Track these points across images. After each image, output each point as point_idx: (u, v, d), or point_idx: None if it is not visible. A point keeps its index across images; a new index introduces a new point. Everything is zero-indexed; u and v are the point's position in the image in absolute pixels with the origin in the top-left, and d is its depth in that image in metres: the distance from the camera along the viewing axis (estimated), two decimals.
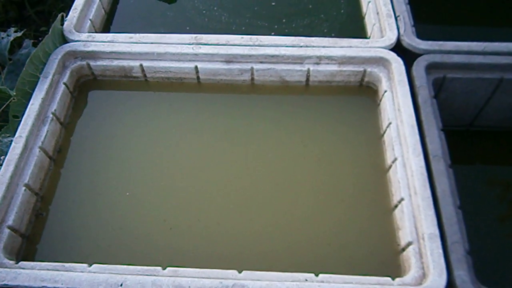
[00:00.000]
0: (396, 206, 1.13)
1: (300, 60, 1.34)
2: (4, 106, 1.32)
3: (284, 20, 1.57)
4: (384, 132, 1.26)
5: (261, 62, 1.35)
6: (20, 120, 1.21)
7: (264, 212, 1.17)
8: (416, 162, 1.11)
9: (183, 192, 1.20)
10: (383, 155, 1.25)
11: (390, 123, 1.23)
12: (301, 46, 1.34)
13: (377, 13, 1.47)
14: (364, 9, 1.58)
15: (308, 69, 1.35)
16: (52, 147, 1.25)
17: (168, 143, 1.29)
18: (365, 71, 1.35)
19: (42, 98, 1.25)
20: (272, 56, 1.33)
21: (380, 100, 1.33)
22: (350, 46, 1.35)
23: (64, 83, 1.33)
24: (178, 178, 1.23)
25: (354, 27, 1.57)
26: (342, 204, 1.18)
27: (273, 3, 1.61)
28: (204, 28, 1.54)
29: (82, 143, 1.30)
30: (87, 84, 1.42)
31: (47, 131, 1.23)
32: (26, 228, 1.13)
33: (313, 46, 1.35)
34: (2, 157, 1.18)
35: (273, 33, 1.53)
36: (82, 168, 1.25)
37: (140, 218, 1.16)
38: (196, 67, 1.36)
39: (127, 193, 1.20)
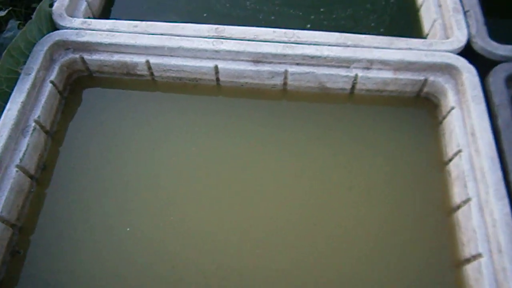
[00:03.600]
0: (468, 261, 0.89)
1: (346, 63, 1.07)
2: None
3: (322, 9, 1.30)
4: (450, 160, 1.01)
5: (297, 64, 1.08)
6: None
7: (294, 258, 0.93)
8: (499, 208, 0.86)
9: (196, 228, 0.96)
10: (448, 190, 1.00)
11: (460, 151, 0.97)
12: (348, 46, 1.07)
13: (439, 6, 1.19)
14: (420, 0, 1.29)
15: (356, 75, 1.08)
16: (34, 164, 1.00)
17: (178, 163, 1.04)
18: (426, 80, 1.08)
19: (22, 102, 0.99)
20: (312, 57, 1.06)
21: (444, 118, 1.06)
22: (409, 48, 1.08)
23: (52, 82, 1.07)
24: (189, 209, 0.98)
25: (407, 22, 1.29)
26: (394, 252, 0.94)
27: None
28: (225, 16, 1.26)
29: (73, 157, 1.05)
30: (80, 83, 1.16)
31: (28, 145, 0.97)
32: None
33: (363, 47, 1.07)
34: None
35: (308, 26, 1.25)
36: (72, 190, 1.01)
37: (142, 263, 0.92)
38: (216, 67, 1.09)
39: (128, 229, 0.95)
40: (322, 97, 1.13)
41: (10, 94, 1.00)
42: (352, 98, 1.13)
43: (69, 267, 0.91)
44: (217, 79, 1.13)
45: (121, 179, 1.02)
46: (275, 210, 0.98)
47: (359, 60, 1.06)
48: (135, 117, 1.10)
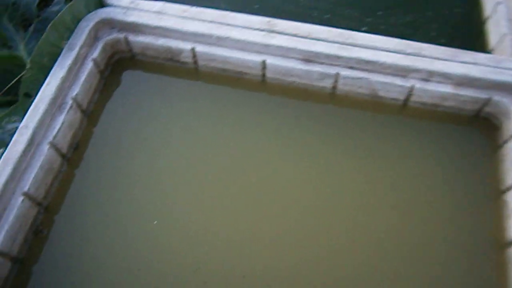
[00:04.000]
0: None
1: (404, 72, 1.00)
2: (16, 79, 1.04)
3: (379, 13, 1.22)
4: (508, 190, 0.92)
5: (350, 68, 1.01)
6: (31, 103, 0.93)
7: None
8: None
9: (225, 230, 0.91)
10: (503, 222, 0.91)
11: None
12: (407, 54, 0.99)
13: (510, 20, 1.10)
14: (487, 11, 1.20)
15: (412, 86, 1.00)
16: (67, 143, 0.97)
17: (215, 155, 0.99)
18: (489, 99, 0.99)
19: (62, 78, 0.95)
20: (368, 62, 0.99)
21: (505, 143, 0.97)
22: (475, 63, 0.99)
23: (93, 60, 1.03)
24: (221, 210, 0.92)
25: (470, 34, 1.20)
26: (436, 285, 0.86)
27: None
28: (277, 9, 1.21)
29: (106, 139, 1.02)
30: (122, 64, 1.12)
31: (63, 122, 0.94)
32: (20, 250, 0.86)
33: (424, 56, 0.99)
34: (1, 151, 0.90)
35: (364, 28, 1.18)
36: (102, 173, 0.97)
37: (165, 259, 0.87)
38: (263, 62, 1.03)
39: (155, 222, 0.91)
40: (372, 105, 1.06)
41: (50, 68, 0.97)
42: (405, 110, 1.05)
43: (92, 252, 0.88)
44: (263, 75, 1.07)
45: (153, 167, 0.97)
46: (322, 221, 0.92)
47: (418, 70, 0.98)
48: (174, 105, 1.06)
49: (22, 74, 0.98)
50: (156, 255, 0.87)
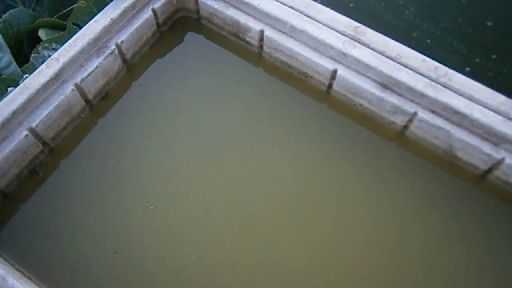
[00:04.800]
0: None
1: (497, 139, 0.80)
2: (72, 6, 0.96)
3: (494, 56, 1.00)
4: None
5: (432, 112, 0.83)
6: (75, 33, 0.84)
7: None
8: None
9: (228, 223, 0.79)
10: None
11: None
12: (510, 118, 0.79)
13: None
14: None
15: (503, 158, 0.80)
16: (95, 89, 0.88)
17: (250, 162, 0.86)
18: None
19: (112, 19, 0.86)
20: (457, 112, 0.80)
21: None
22: None
23: (153, 10, 0.93)
24: (240, 226, 0.80)
25: None
26: None
27: (492, 23, 1.03)
28: (372, 15, 1.03)
29: (140, 97, 0.92)
30: (184, 24, 1.01)
31: (97, 67, 0.85)
32: (8, 184, 0.80)
33: None
34: (24, 77, 0.83)
35: (467, 69, 0.97)
36: (123, 131, 0.88)
37: (153, 251, 0.77)
38: (335, 71, 0.87)
39: (151, 207, 0.81)
40: (443, 163, 0.87)
41: (105, 5, 0.88)
42: (481, 182, 0.85)
43: (83, 205, 0.80)
44: (329, 86, 0.91)
45: (181, 142, 0.87)
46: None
47: None
48: (224, 85, 0.94)
49: (75, 4, 0.90)
50: (148, 223, 0.78)
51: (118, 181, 0.83)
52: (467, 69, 0.97)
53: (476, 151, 0.81)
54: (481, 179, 0.85)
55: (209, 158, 0.86)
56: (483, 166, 0.83)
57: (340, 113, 0.91)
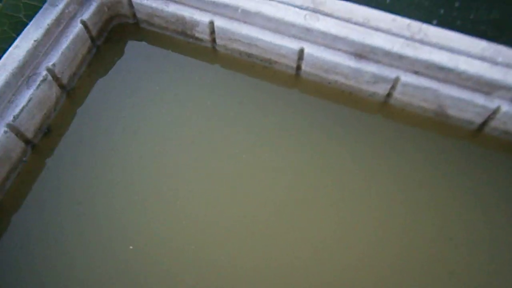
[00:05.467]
0: None
1: (488, 88, 0.74)
2: None
3: (457, 4, 0.94)
4: None
5: (416, 73, 0.76)
6: None
7: None
8: None
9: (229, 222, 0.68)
10: None
11: None
12: (497, 63, 0.73)
13: None
14: None
15: (498, 107, 0.74)
16: (34, 126, 0.75)
17: (226, 157, 0.76)
18: None
19: (36, 41, 0.73)
20: (442, 68, 0.73)
21: None
22: None
23: (83, 22, 0.80)
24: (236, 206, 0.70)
25: None
26: None
27: None
28: None
29: (88, 125, 0.79)
30: (121, 32, 0.89)
31: (30, 99, 0.72)
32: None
33: None
34: None
35: (434, 22, 0.91)
36: (77, 167, 0.75)
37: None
38: (301, 50, 0.79)
39: (130, 247, 0.69)
40: (435, 125, 0.80)
41: (24, 27, 0.75)
42: (479, 137, 0.79)
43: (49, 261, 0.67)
44: (298, 67, 0.82)
45: (149, 166, 0.75)
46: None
47: (510, 88, 0.72)
48: (182, 91, 0.83)
49: None
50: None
51: (85, 226, 0.70)
52: (434, 22, 0.91)
53: (469, 105, 0.75)
54: (477, 134, 0.79)
55: (184, 174, 0.75)
56: (479, 119, 0.77)
57: (315, 95, 0.83)
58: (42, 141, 0.77)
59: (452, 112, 0.78)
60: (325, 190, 0.74)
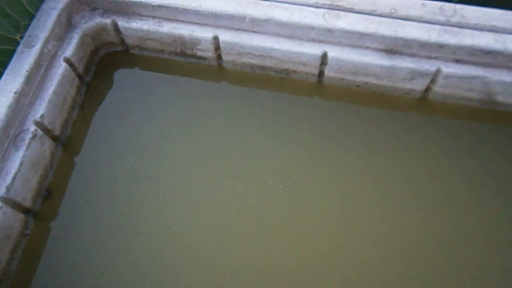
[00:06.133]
0: None
1: None
2: None
3: None
4: None
5: (457, 62, 0.67)
6: None
7: None
8: None
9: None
10: None
11: None
12: None
13: None
14: None
15: None
16: (31, 193, 0.63)
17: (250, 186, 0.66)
18: None
19: (17, 92, 0.61)
20: (488, 52, 0.64)
21: None
22: None
23: (67, 60, 0.68)
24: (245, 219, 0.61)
25: None
26: None
27: None
28: None
29: (93, 178, 0.68)
30: (111, 62, 0.78)
31: (22, 162, 0.60)
32: None
33: None
34: None
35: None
36: (88, 232, 0.64)
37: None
38: (324, 54, 0.69)
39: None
40: (481, 115, 0.72)
41: (1, 76, 0.63)
42: None
43: None
44: (320, 74, 0.73)
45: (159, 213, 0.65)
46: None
47: None
48: (192, 122, 0.72)
49: None
50: None
51: None
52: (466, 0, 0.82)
53: None
54: None
55: (217, 223, 0.65)
56: None
57: (343, 101, 0.73)
58: (43, 207, 0.65)
59: (501, 98, 0.69)
60: (370, 198, 0.65)
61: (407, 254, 0.62)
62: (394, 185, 0.67)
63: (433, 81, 0.69)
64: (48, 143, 0.66)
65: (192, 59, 0.76)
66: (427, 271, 0.61)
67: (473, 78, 0.67)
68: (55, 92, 0.66)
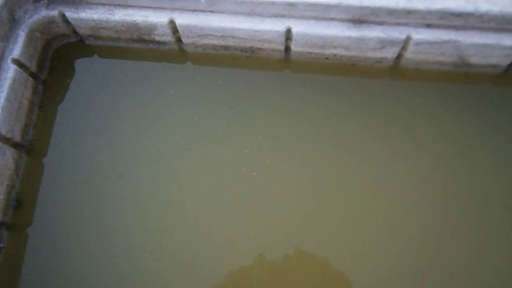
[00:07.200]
0: None
1: None
2: None
3: None
4: None
5: (428, 27, 0.64)
6: None
7: None
8: None
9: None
10: None
11: None
12: None
13: None
14: None
15: None
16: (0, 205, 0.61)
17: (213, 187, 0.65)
18: None
19: None
20: (459, 14, 0.61)
21: None
22: None
23: (16, 60, 0.64)
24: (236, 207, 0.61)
25: None
26: None
27: None
28: None
29: (64, 181, 0.66)
30: (66, 55, 0.73)
31: None
32: None
33: None
34: None
35: None
36: (63, 239, 0.63)
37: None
38: (288, 30, 0.65)
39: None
40: (455, 78, 0.70)
41: None
42: (504, 78, 0.69)
43: None
44: (287, 49, 0.69)
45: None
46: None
47: None
48: (158, 113, 0.69)
49: None
50: None
51: None
52: None
53: (495, 49, 0.64)
54: (503, 76, 0.69)
55: (190, 210, 0.64)
56: (505, 61, 0.67)
57: (312, 73, 0.71)
58: (15, 218, 0.64)
59: (474, 60, 0.67)
60: (341, 168, 0.65)
61: (387, 227, 0.63)
62: (373, 158, 0.66)
63: (404, 48, 0.66)
64: (10, 152, 0.63)
65: (151, 45, 0.71)
66: (414, 240, 0.62)
67: (444, 42, 0.64)
68: (7, 99, 0.62)
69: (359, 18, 0.63)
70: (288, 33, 0.65)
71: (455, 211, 0.63)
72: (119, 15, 0.66)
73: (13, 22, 0.65)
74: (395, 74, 0.70)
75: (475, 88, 0.69)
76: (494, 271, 0.60)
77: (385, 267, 0.60)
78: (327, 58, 0.70)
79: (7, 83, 0.62)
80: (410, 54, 0.66)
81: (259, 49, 0.69)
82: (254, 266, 0.61)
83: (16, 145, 0.65)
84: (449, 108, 0.69)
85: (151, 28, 0.67)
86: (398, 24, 0.64)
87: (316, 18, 0.64)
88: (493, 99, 0.69)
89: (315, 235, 0.62)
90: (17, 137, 0.64)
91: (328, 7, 0.62)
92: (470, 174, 0.65)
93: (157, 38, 0.69)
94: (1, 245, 0.62)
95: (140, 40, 0.70)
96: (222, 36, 0.67)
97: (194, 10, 0.65)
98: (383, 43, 0.65)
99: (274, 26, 0.64)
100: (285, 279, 0.60)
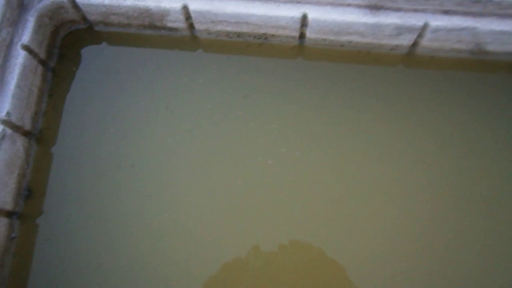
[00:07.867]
0: None
1: None
2: None
3: None
4: None
5: (446, 13, 0.63)
6: None
7: None
8: None
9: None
10: None
11: None
12: None
13: None
14: None
15: None
16: (11, 196, 0.61)
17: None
18: None
19: None
20: (477, 0, 0.60)
21: None
22: None
23: (25, 47, 0.63)
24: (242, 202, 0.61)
25: None
26: None
27: None
28: None
29: (73, 170, 0.65)
30: (75, 41, 0.71)
31: None
32: None
33: None
34: None
35: None
36: (77, 228, 0.62)
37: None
38: (304, 16, 0.64)
39: None
40: (471, 66, 0.69)
41: None
42: None
43: None
44: (301, 36, 0.68)
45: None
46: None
47: None
48: (171, 101, 0.68)
49: None
50: None
51: None
52: None
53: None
54: None
55: (203, 204, 0.63)
56: None
57: (327, 60, 0.70)
58: (26, 207, 0.63)
59: (491, 47, 0.66)
60: (356, 157, 0.64)
61: (401, 212, 0.62)
62: (387, 146, 0.66)
63: (420, 35, 0.65)
64: (20, 141, 0.62)
65: (163, 31, 0.70)
66: (422, 226, 0.62)
67: (462, 29, 0.63)
68: (18, 85, 0.61)
69: (376, 4, 0.62)
70: (304, 19, 0.64)
71: (469, 207, 0.63)
72: (131, 0, 0.64)
73: (22, 8, 0.64)
74: (410, 61, 0.69)
75: (491, 76, 0.69)
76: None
77: (402, 259, 0.60)
78: (342, 46, 0.69)
79: (17, 69, 0.61)
80: (426, 41, 0.66)
81: (273, 35, 0.68)
82: (277, 254, 0.60)
83: (26, 133, 0.63)
84: (464, 96, 0.68)
85: (164, 13, 0.66)
86: (415, 10, 0.63)
87: (333, 4, 0.63)
88: (509, 87, 0.68)
89: (331, 224, 0.62)
90: (27, 126, 0.63)
91: None
92: (481, 164, 0.64)
93: (169, 25, 0.68)
94: (13, 235, 0.61)
95: (152, 26, 0.69)
96: (236, 22, 0.66)
97: None
98: (400, 30, 0.64)
99: (290, 12, 0.63)
100: (308, 266, 0.60)
